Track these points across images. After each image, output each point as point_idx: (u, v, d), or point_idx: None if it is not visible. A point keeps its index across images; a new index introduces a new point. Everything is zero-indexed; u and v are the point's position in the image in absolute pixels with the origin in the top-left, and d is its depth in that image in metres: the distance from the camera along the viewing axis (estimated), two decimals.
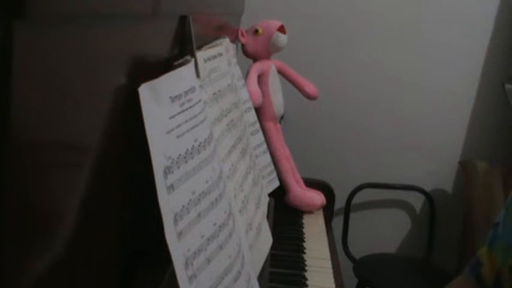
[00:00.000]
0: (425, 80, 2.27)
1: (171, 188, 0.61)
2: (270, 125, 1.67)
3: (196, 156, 0.68)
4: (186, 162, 0.65)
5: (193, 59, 0.78)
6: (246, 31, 1.66)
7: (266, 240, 1.08)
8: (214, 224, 0.70)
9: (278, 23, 1.67)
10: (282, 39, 1.66)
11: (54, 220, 0.49)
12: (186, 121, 0.68)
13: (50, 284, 0.49)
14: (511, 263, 0.98)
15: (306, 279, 1.29)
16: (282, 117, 1.77)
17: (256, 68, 1.65)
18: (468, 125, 2.30)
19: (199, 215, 0.66)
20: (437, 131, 2.30)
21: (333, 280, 1.32)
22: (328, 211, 1.75)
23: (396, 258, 2.31)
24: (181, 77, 0.71)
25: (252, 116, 1.29)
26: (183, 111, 0.67)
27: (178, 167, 0.63)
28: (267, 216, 1.16)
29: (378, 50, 2.26)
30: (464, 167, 2.22)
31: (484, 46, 2.23)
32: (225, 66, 1.00)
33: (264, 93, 1.63)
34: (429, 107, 2.28)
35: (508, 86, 0.98)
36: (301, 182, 1.73)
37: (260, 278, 0.95)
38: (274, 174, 1.42)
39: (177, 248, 0.59)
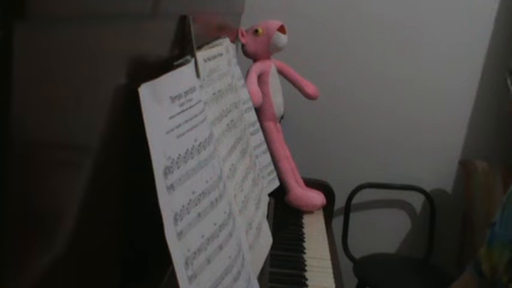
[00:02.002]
0: (426, 80, 2.27)
1: (171, 188, 0.61)
2: (270, 125, 1.67)
3: (196, 156, 0.68)
4: (186, 162, 0.65)
5: (193, 59, 0.78)
6: (246, 31, 1.66)
7: (266, 240, 1.08)
8: (214, 224, 0.70)
9: (278, 23, 1.66)
10: (282, 39, 1.66)
11: (55, 220, 0.49)
12: (186, 121, 0.68)
13: (50, 284, 0.49)
14: (508, 258, 1.00)
15: (306, 279, 1.29)
16: (282, 117, 1.77)
17: (256, 68, 1.65)
18: (468, 125, 2.29)
19: (199, 215, 0.66)
20: (437, 131, 2.29)
21: (333, 280, 1.32)
22: (328, 211, 1.75)
23: (396, 258, 2.31)
24: (181, 77, 0.71)
25: (252, 116, 1.29)
26: (183, 111, 0.67)
27: (178, 167, 0.63)
28: (267, 216, 1.16)
29: (378, 50, 2.25)
30: (464, 167, 2.22)
31: (484, 46, 2.23)
32: (225, 66, 1.00)
33: (264, 93, 1.63)
34: (429, 107, 2.28)
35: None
36: (301, 182, 1.73)
37: (260, 278, 0.95)
38: (274, 174, 1.42)
39: (177, 248, 0.59)
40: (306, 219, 1.66)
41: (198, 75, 0.79)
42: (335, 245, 1.55)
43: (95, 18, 0.51)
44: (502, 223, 1.06)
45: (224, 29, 1.25)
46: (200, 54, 0.85)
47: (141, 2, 0.63)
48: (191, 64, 0.76)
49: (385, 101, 2.29)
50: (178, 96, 0.67)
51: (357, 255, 2.25)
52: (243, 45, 1.66)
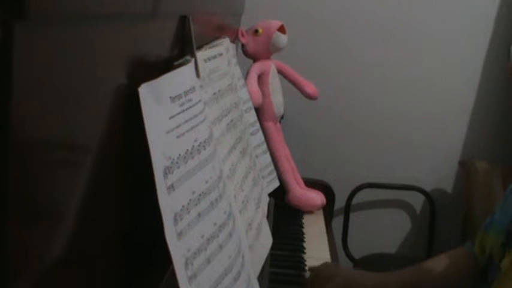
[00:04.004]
0: (425, 80, 2.27)
1: (171, 188, 0.61)
2: (270, 125, 1.67)
3: (196, 156, 0.68)
4: (186, 162, 0.65)
5: (193, 59, 0.78)
6: (246, 31, 1.66)
7: (266, 240, 1.08)
8: (214, 224, 0.70)
9: (278, 23, 1.66)
10: (282, 39, 1.66)
11: (54, 220, 0.49)
12: (186, 121, 0.68)
13: (50, 284, 0.49)
14: (501, 242, 1.04)
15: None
16: (282, 117, 1.77)
17: (256, 68, 1.65)
18: (468, 125, 2.29)
19: (199, 215, 0.66)
20: (437, 131, 2.30)
21: None
22: (328, 211, 1.75)
23: (396, 258, 2.31)
24: (181, 77, 0.71)
25: (252, 116, 1.29)
26: (183, 111, 0.67)
27: (178, 167, 0.63)
28: (267, 216, 1.16)
29: (378, 50, 2.26)
30: (464, 167, 2.22)
31: (484, 46, 2.23)
32: (225, 66, 1.00)
33: (264, 93, 1.63)
34: (429, 107, 2.28)
35: None
36: (301, 182, 1.73)
37: (260, 278, 0.95)
38: (274, 174, 1.41)
39: (177, 248, 0.59)
40: (306, 219, 1.66)
41: (198, 75, 0.79)
42: (335, 245, 1.55)
43: (95, 18, 0.51)
44: (501, 211, 1.08)
45: (224, 29, 1.25)
46: (200, 54, 0.85)
47: (141, 2, 0.63)
48: (191, 64, 0.76)
49: (385, 101, 2.29)
50: (178, 96, 0.67)
51: (357, 255, 2.25)
52: (243, 45, 1.66)
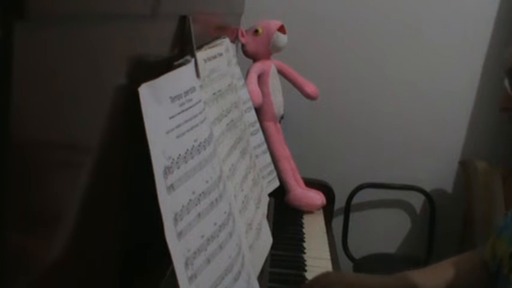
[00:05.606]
0: (426, 80, 2.26)
1: (171, 188, 0.61)
2: (270, 125, 1.67)
3: (196, 156, 0.68)
4: (186, 162, 0.65)
5: (193, 59, 0.78)
6: (246, 31, 1.66)
7: (266, 240, 1.08)
8: (214, 224, 0.70)
9: (278, 23, 1.66)
10: (282, 39, 1.66)
11: (55, 219, 0.49)
12: (186, 121, 0.68)
13: (50, 283, 0.49)
14: (511, 251, 1.01)
15: (306, 279, 1.29)
16: (282, 117, 1.77)
17: (256, 68, 1.65)
18: (468, 125, 2.29)
19: (199, 215, 0.66)
20: (437, 131, 2.29)
21: None
22: (328, 211, 1.75)
23: (396, 258, 2.31)
24: (181, 77, 0.71)
25: (252, 116, 1.29)
26: (183, 111, 0.67)
27: (178, 167, 0.63)
28: (267, 216, 1.16)
29: (378, 50, 2.25)
30: (464, 167, 2.22)
31: (484, 46, 2.23)
32: (225, 66, 1.00)
33: (264, 93, 1.63)
34: (429, 107, 2.28)
35: None
36: (301, 182, 1.73)
37: (260, 278, 0.95)
38: (274, 174, 1.42)
39: (177, 248, 0.59)
40: (306, 219, 1.66)
41: (198, 75, 0.79)
42: (335, 245, 1.55)
43: (95, 18, 0.51)
44: None
45: (224, 29, 1.25)
46: (200, 54, 0.85)
47: (141, 2, 0.63)
48: (191, 64, 0.76)
49: (385, 101, 2.29)
50: (178, 96, 0.67)
51: (357, 255, 2.25)
52: (243, 45, 1.66)
